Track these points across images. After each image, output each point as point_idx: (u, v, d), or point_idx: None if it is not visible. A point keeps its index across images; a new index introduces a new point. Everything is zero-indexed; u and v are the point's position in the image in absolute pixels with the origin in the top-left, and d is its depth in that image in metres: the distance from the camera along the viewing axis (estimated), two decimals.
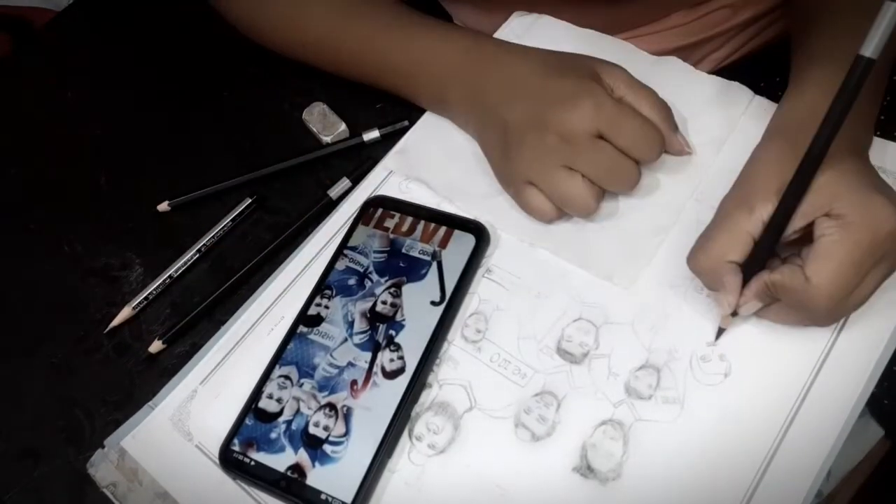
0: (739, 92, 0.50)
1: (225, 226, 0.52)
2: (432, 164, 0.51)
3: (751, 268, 0.39)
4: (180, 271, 0.51)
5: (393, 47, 0.52)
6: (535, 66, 0.47)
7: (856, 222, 0.36)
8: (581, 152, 0.43)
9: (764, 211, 0.38)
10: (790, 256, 0.40)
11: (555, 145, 0.43)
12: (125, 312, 0.49)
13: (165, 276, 0.50)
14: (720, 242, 0.39)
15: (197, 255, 0.51)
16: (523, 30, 0.56)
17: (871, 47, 0.32)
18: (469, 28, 0.51)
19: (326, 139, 0.55)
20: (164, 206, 0.53)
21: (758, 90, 0.49)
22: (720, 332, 0.41)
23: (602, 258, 0.45)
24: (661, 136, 0.44)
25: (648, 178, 0.47)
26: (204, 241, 0.51)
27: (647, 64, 0.51)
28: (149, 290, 0.50)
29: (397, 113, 0.55)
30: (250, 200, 0.53)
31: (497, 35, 0.56)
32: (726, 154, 0.48)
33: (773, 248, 0.39)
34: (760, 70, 0.61)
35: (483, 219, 0.47)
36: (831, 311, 0.37)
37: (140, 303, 0.49)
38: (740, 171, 0.41)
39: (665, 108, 0.45)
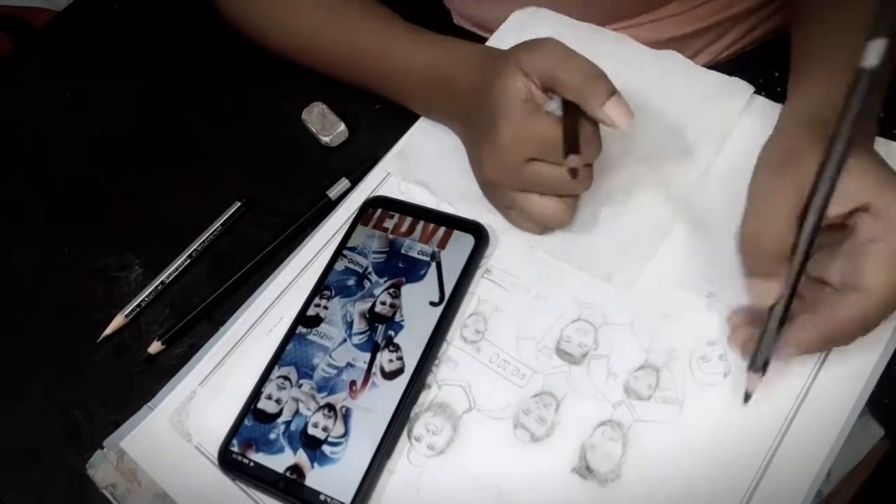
0: (740, 87, 0.49)
1: (215, 230, 0.52)
2: (431, 166, 0.51)
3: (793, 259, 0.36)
4: (172, 276, 0.50)
5: (377, 60, 0.52)
6: (472, 86, 0.45)
7: None
8: (521, 179, 0.43)
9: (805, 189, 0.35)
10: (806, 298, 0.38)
11: (498, 179, 0.44)
12: (118, 320, 0.49)
13: (157, 282, 0.50)
14: (780, 224, 0.36)
15: (188, 261, 0.51)
16: (521, 25, 0.56)
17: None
18: (443, 37, 0.51)
19: (326, 139, 0.55)
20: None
21: (757, 85, 0.49)
22: (748, 397, 0.39)
23: (601, 259, 0.45)
24: (592, 133, 0.41)
25: (647, 177, 0.47)
26: (195, 247, 0.51)
27: (647, 58, 0.51)
28: (141, 298, 0.50)
29: (397, 113, 0.55)
30: (239, 204, 0.53)
31: (496, 33, 0.56)
32: (727, 152, 0.47)
33: (815, 238, 0.36)
34: (759, 65, 0.60)
35: (483, 220, 0.47)
36: (886, 314, 0.36)
37: (133, 310, 0.49)
38: (764, 159, 0.39)
39: (589, 82, 0.39)
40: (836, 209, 0.36)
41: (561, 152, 0.39)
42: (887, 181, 0.36)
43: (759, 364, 0.38)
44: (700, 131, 0.48)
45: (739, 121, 0.48)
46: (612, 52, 0.46)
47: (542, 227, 0.46)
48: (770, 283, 0.37)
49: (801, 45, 0.46)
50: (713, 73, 0.50)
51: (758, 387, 0.38)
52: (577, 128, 0.40)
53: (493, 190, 0.46)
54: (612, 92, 0.39)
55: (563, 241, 0.46)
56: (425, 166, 0.51)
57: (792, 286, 0.37)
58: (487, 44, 0.55)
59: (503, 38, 0.55)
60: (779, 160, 0.39)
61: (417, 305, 0.44)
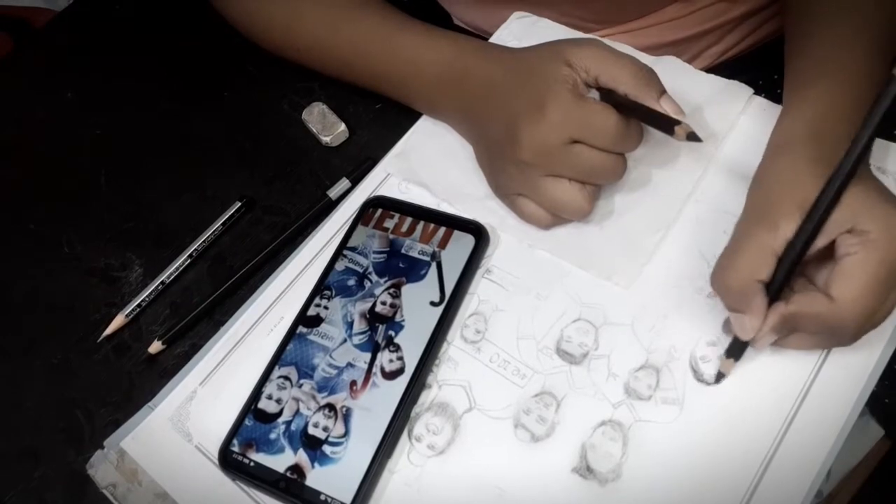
0: (739, 90, 0.49)
1: (216, 230, 0.52)
2: (431, 166, 0.51)
3: (770, 290, 0.37)
4: (172, 276, 0.51)
5: (381, 56, 0.52)
6: (507, 70, 0.46)
7: (881, 239, 0.35)
8: (558, 161, 0.42)
9: (788, 228, 0.36)
10: (800, 282, 0.39)
11: (532, 160, 0.43)
12: (118, 320, 0.49)
13: (157, 282, 0.50)
14: (748, 261, 0.37)
15: (188, 261, 0.51)
16: (522, 32, 0.56)
17: None
18: (453, 33, 0.51)
19: (326, 139, 0.55)
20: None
21: (756, 88, 0.49)
22: (720, 376, 0.40)
23: (601, 258, 0.45)
24: (636, 126, 0.42)
25: (647, 176, 0.47)
26: (195, 246, 0.51)
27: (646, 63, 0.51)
28: (141, 297, 0.50)
29: (397, 113, 0.55)
30: (240, 204, 0.53)
31: (495, 36, 0.56)
32: (727, 152, 0.47)
33: (795, 269, 0.37)
34: (759, 67, 0.61)
35: (485, 221, 0.47)
36: (858, 331, 0.36)
37: (133, 310, 0.49)
38: (750, 190, 0.40)
39: (645, 75, 0.42)
40: (821, 241, 0.36)
41: (604, 139, 0.41)
42: (875, 205, 0.36)
43: (733, 350, 0.39)
44: (699, 132, 0.48)
45: (738, 121, 0.48)
46: None
47: (555, 217, 0.45)
48: (745, 317, 0.38)
49: (796, 58, 0.45)
50: (712, 76, 0.51)
51: (730, 370, 0.40)
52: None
53: (518, 172, 0.44)
54: (663, 90, 0.42)
55: (564, 240, 0.46)
56: (425, 166, 0.51)
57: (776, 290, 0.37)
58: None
59: (503, 41, 0.55)
60: (762, 195, 0.39)
61: (418, 305, 0.44)
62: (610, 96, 0.42)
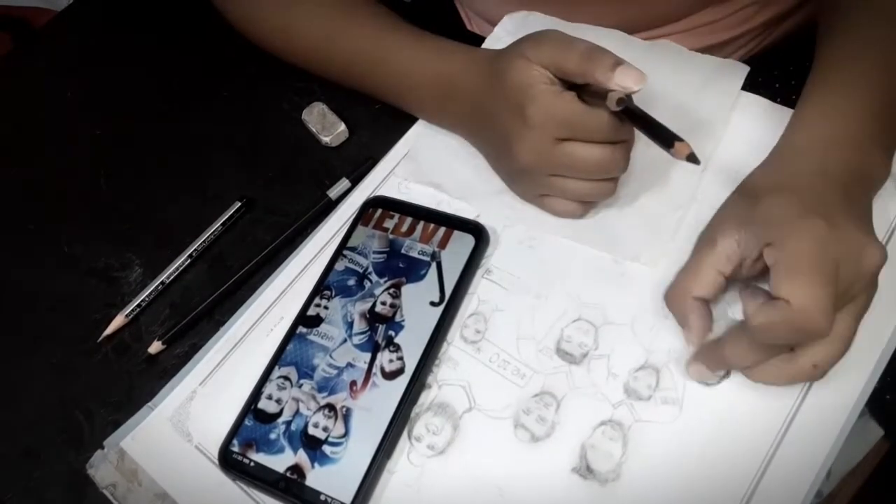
0: (735, 68, 0.50)
1: (216, 230, 0.52)
2: (442, 166, 0.51)
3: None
4: (172, 276, 0.50)
5: (375, 70, 0.52)
6: (487, 81, 0.45)
7: (790, 236, 0.36)
8: (555, 162, 0.43)
9: (726, 244, 0.38)
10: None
11: (532, 165, 0.44)
12: (118, 321, 0.49)
13: (157, 282, 0.50)
14: (684, 278, 0.40)
15: (188, 261, 0.51)
16: (515, 28, 0.56)
17: None
18: (442, 41, 0.50)
19: (326, 139, 0.55)
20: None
21: (788, 73, 0.49)
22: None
23: (626, 240, 0.45)
24: (612, 153, 0.42)
25: (660, 155, 0.47)
26: (195, 246, 0.51)
27: (640, 49, 0.52)
28: (141, 297, 0.49)
29: (397, 113, 0.55)
30: (239, 204, 0.53)
31: (491, 36, 0.56)
32: (726, 152, 0.47)
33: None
34: (777, 63, 0.60)
35: (502, 215, 0.47)
36: (828, 319, 0.34)
37: (133, 310, 0.49)
38: (726, 201, 0.43)
39: (593, 53, 0.40)
40: (751, 256, 0.38)
41: (589, 129, 0.41)
42: (789, 220, 0.36)
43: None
44: (703, 111, 0.48)
45: (740, 122, 0.48)
46: (608, 46, 0.46)
47: (585, 204, 0.46)
48: (686, 330, 0.40)
49: (814, 68, 0.45)
50: (707, 56, 0.51)
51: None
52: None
53: (528, 178, 0.45)
54: (618, 62, 0.40)
55: (587, 226, 0.46)
56: (436, 167, 0.51)
57: None
58: (483, 46, 0.55)
59: (499, 40, 0.55)
60: (718, 215, 0.42)
61: (418, 305, 0.44)
62: (595, 95, 0.41)
